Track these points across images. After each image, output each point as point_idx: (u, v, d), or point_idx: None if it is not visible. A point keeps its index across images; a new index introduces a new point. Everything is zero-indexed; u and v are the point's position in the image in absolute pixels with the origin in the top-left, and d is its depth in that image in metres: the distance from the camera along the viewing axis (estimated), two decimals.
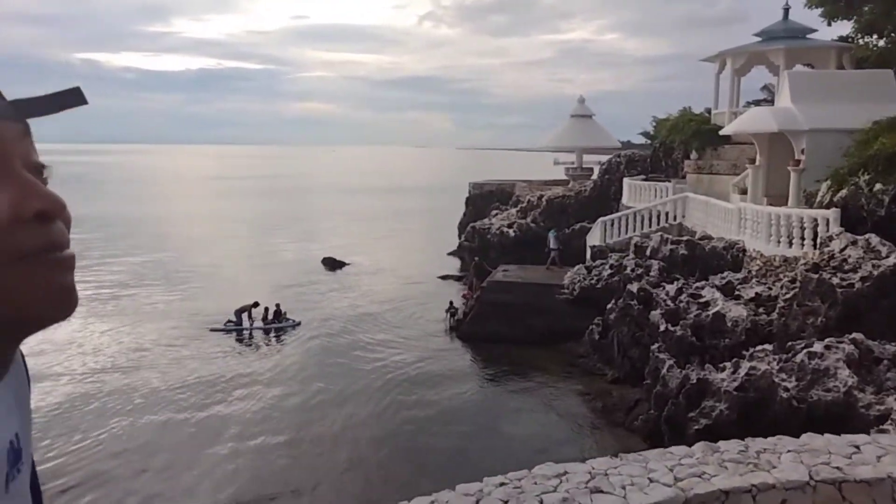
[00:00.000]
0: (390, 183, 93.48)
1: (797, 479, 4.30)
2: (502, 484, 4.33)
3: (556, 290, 17.46)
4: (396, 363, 17.36)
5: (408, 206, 58.21)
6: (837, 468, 4.42)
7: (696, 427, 9.85)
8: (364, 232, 41.54)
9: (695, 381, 10.49)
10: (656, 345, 11.97)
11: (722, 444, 4.86)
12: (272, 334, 20.03)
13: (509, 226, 26.44)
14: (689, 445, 5.08)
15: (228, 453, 12.28)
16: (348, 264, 30.65)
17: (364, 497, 11.00)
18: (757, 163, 18.43)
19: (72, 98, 0.62)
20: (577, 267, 17.73)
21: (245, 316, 19.80)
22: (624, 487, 4.28)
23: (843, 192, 13.03)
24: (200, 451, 12.30)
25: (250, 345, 19.30)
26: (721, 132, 21.11)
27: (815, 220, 13.00)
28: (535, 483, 4.32)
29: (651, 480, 4.35)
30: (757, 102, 27.83)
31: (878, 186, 12.35)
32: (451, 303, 21.09)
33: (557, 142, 34.32)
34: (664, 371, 11.17)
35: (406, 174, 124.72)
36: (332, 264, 30.38)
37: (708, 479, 4.33)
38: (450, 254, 32.59)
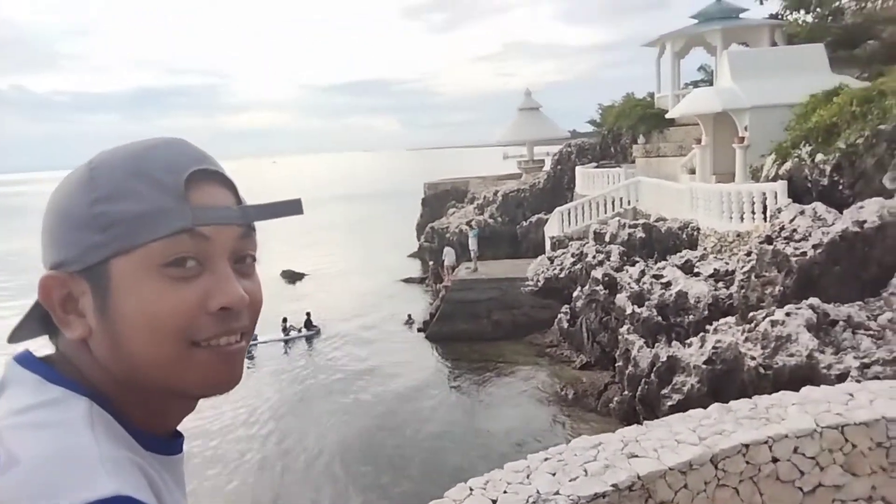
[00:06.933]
0: (340, 190, 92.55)
1: (805, 428, 4.67)
2: (546, 459, 4.60)
3: (520, 283, 17.57)
4: (362, 370, 17.22)
5: (362, 213, 57.82)
6: (839, 414, 4.81)
7: (670, 403, 10.06)
8: (320, 242, 41.07)
9: (665, 358, 10.70)
10: (625, 327, 12.16)
11: (733, 403, 5.22)
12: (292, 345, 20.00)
13: (468, 223, 26.52)
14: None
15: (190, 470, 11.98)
16: (308, 275, 30.28)
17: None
18: (703, 143, 18.90)
19: (292, 207, 0.73)
20: (539, 258, 17.88)
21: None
22: (656, 450, 4.60)
23: (788, 164, 13.44)
24: None
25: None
26: (667, 115, 21.56)
27: (764, 193, 13.37)
28: (576, 455, 4.59)
29: (678, 442, 4.68)
30: (696, 84, 28.55)
31: (819, 157, 12.78)
32: (409, 315, 21.15)
33: (507, 136, 34.56)
34: (634, 352, 11.36)
35: (356, 180, 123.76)
36: (292, 276, 29.96)
37: (728, 435, 4.66)
38: (410, 256, 32.52)
